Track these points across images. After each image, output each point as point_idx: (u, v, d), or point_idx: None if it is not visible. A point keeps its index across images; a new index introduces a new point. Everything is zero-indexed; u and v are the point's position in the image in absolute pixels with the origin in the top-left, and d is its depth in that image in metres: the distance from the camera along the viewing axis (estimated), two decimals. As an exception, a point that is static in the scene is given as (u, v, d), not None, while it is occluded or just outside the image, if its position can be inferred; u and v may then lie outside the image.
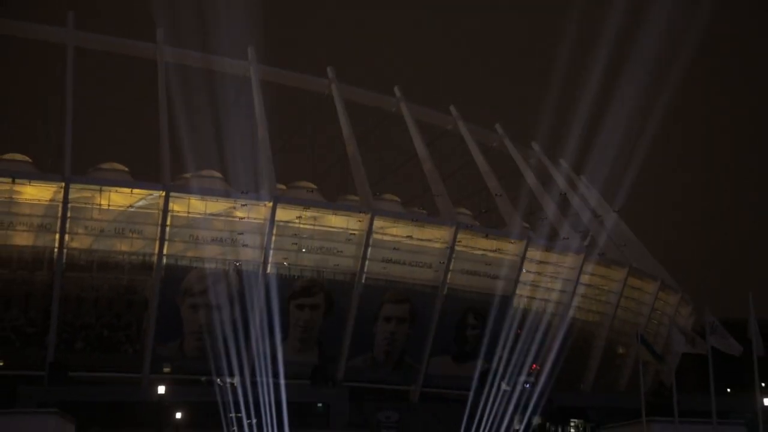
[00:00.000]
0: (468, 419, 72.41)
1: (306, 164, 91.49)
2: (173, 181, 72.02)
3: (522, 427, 71.17)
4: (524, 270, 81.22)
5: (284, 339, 73.23)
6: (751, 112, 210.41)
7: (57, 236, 68.00)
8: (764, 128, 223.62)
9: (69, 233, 68.34)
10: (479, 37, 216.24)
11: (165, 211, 69.65)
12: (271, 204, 71.93)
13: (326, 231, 75.14)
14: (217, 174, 77.14)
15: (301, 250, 74.61)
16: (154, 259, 70.02)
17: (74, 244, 69.14)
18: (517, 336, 78.93)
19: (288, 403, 64.98)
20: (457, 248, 78.05)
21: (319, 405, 70.62)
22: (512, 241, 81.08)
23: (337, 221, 75.55)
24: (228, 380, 68.34)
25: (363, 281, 75.26)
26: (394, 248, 76.78)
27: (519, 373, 77.18)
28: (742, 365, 62.04)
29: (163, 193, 69.64)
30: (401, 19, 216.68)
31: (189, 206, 71.20)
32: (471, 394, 72.01)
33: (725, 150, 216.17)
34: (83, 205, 69.30)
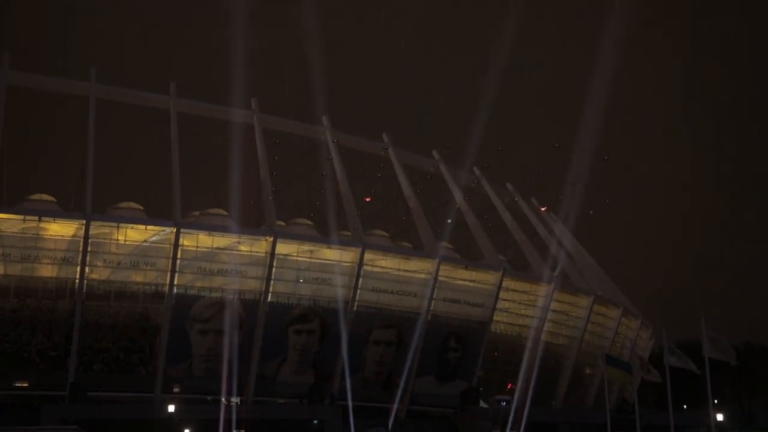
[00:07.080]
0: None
1: (303, 203, 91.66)
2: (183, 219, 72.14)
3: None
4: (500, 298, 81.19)
5: (283, 361, 72.93)
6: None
7: (78, 268, 68.02)
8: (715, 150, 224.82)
9: (89, 266, 68.41)
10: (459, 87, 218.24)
11: (176, 245, 69.74)
12: (271, 239, 72.01)
13: (321, 263, 75.08)
14: (223, 212, 77.30)
15: (298, 281, 74.50)
16: (166, 288, 69.90)
17: (94, 276, 69.10)
18: (494, 358, 78.78)
19: (286, 420, 64.59)
20: (439, 278, 78.11)
21: (314, 422, 70.05)
22: (489, 272, 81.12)
23: (331, 254, 75.51)
24: (232, 399, 67.92)
25: (355, 308, 75.09)
26: (383, 279, 76.70)
27: (496, 392, 77.03)
28: (697, 384, 62.20)
29: (175, 230, 69.77)
30: (390, 69, 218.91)
31: (198, 241, 71.29)
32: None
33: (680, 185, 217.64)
34: (102, 240, 69.39)
